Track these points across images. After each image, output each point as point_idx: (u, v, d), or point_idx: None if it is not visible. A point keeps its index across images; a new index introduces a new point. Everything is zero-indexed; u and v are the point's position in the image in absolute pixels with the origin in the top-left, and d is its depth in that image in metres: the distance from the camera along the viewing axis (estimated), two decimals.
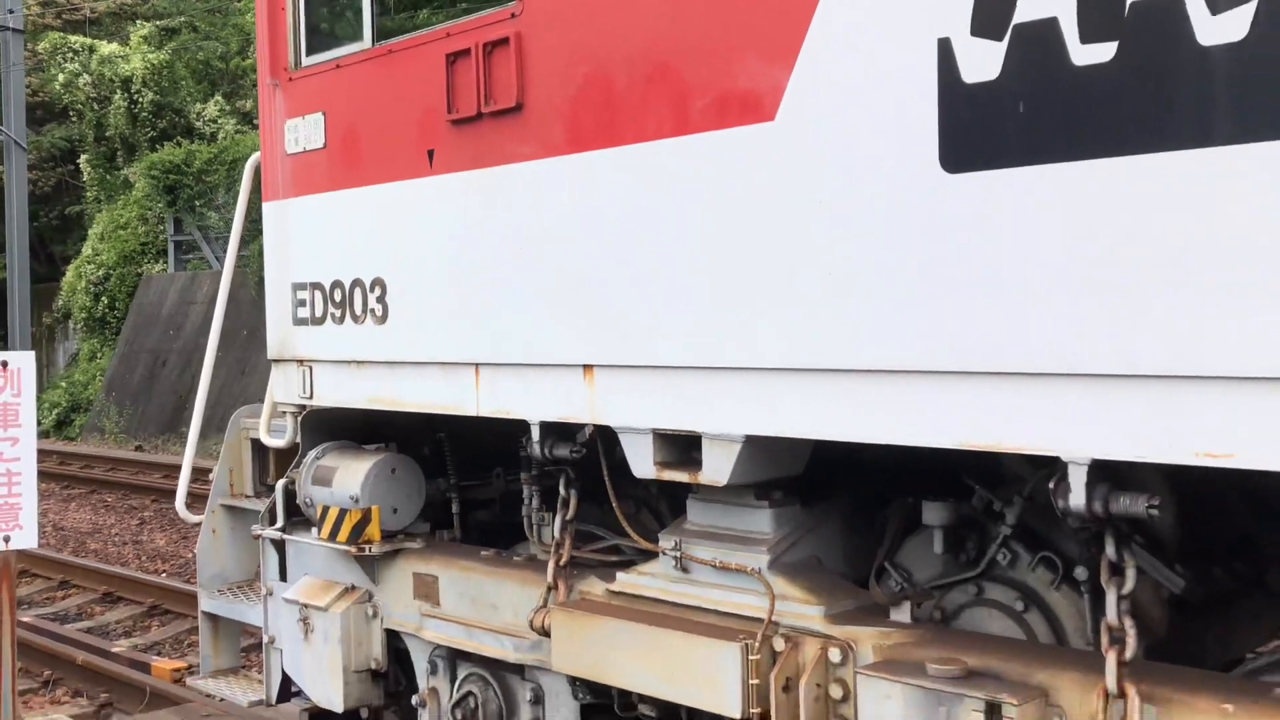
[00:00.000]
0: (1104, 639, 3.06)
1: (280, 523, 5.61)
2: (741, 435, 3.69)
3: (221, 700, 6.84)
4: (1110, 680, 3.02)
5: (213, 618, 6.33)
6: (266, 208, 5.52)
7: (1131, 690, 3.00)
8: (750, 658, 3.69)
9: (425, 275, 4.66)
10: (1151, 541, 3.44)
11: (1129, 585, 3.04)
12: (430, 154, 4.60)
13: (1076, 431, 2.97)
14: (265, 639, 5.78)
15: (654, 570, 4.22)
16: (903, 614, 3.71)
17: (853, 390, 3.39)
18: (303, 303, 5.24)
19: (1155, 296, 2.79)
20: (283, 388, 5.47)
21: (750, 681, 3.68)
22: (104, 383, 25.88)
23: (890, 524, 4.02)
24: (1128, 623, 3.04)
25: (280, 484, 5.62)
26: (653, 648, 3.95)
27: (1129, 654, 3.03)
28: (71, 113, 32.52)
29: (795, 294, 3.46)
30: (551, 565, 4.47)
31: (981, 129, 3.09)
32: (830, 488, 4.05)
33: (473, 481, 5.67)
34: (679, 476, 3.92)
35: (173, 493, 6.20)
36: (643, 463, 4.00)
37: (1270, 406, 2.64)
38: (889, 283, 3.27)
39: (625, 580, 4.29)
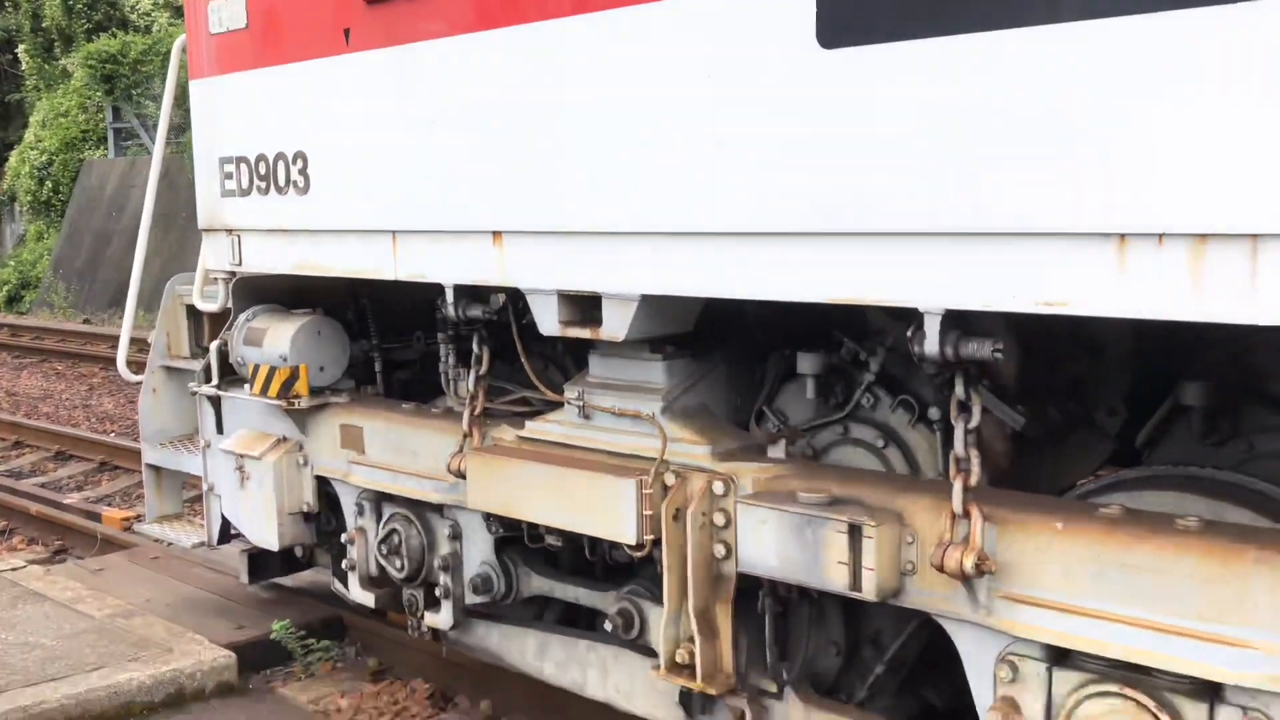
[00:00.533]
0: (952, 468, 3.13)
1: (215, 381, 5.52)
2: (638, 295, 3.67)
3: (168, 544, 6.78)
4: (956, 503, 3.11)
5: (156, 469, 6.25)
6: (193, 86, 5.29)
7: (975, 511, 3.09)
8: (644, 491, 3.73)
9: (344, 148, 4.52)
10: (996, 384, 3.51)
11: (975, 421, 3.11)
12: (346, 32, 4.42)
13: (932, 285, 3.00)
14: (205, 487, 5.73)
15: (559, 418, 4.23)
16: (778, 451, 3.77)
17: (737, 252, 3.38)
18: (229, 175, 5.06)
19: (1003, 161, 2.79)
20: (213, 256, 5.33)
21: (644, 512, 3.73)
22: (51, 261, 24.98)
23: (769, 373, 4.07)
24: (973, 454, 3.11)
25: (214, 345, 5.51)
26: (558, 485, 3.98)
27: (973, 481, 3.10)
28: (8, 3, 30.72)
29: (687, 163, 3.42)
30: (467, 415, 4.46)
31: (854, 9, 3.04)
32: (717, 342, 4.07)
33: (395, 344, 5.62)
34: (581, 333, 3.90)
35: None
36: (549, 321, 3.97)
37: (1097, 259, 2.68)
38: (771, 152, 3.23)
39: (533, 427, 4.30)
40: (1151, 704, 2.88)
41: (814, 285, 3.24)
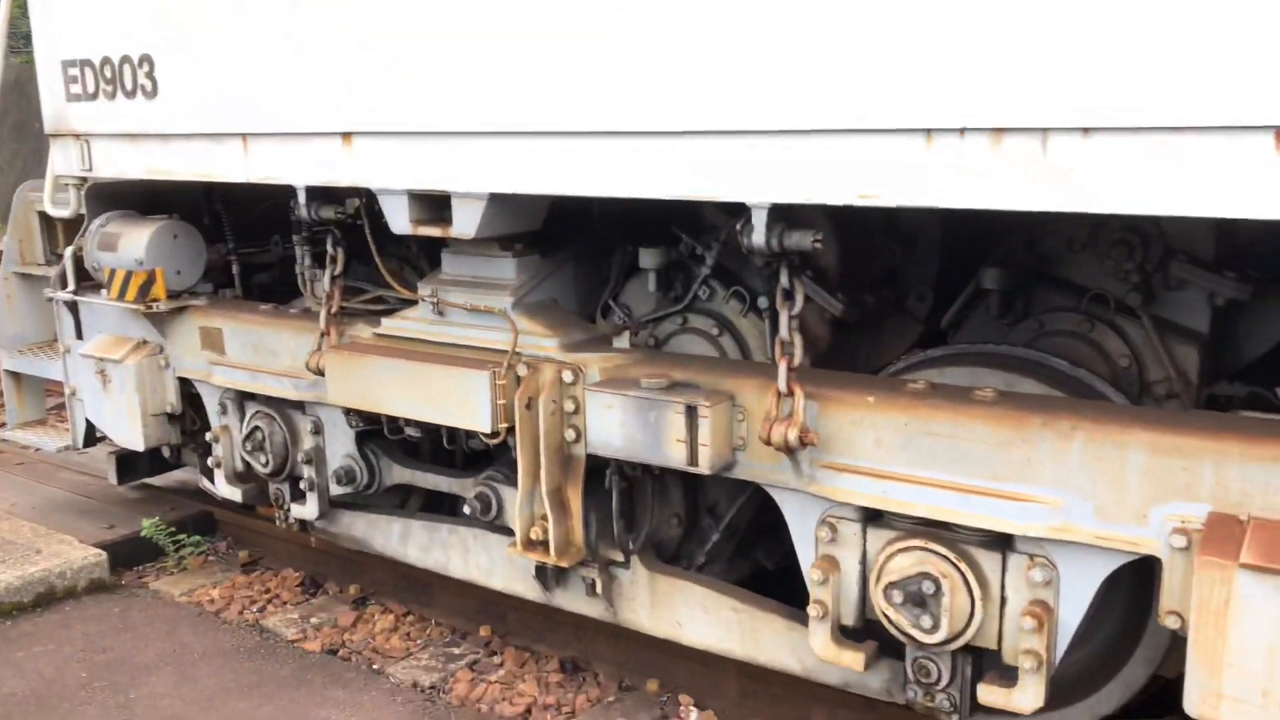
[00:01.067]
0: (777, 351, 3.18)
1: (72, 286, 5.20)
2: (486, 193, 3.58)
3: (36, 450, 6.47)
4: (781, 383, 3.16)
5: (16, 376, 5.91)
6: None
7: (798, 390, 3.16)
8: (498, 382, 3.69)
9: (191, 51, 4.24)
10: (818, 273, 3.58)
11: (798, 308, 3.15)
12: None
13: (760, 181, 3.00)
14: (67, 392, 5.44)
15: (414, 315, 4.13)
16: (623, 342, 3.78)
17: (581, 151, 3.31)
18: (74, 80, 4.71)
19: (821, 63, 2.79)
20: (62, 161, 4.97)
21: (498, 402, 3.70)
22: None
23: (614, 269, 4.05)
24: (796, 338, 3.16)
25: (69, 251, 5.18)
26: (415, 379, 3.90)
27: (797, 362, 3.16)
28: None
29: (532, 63, 3.31)
30: (323, 314, 4.32)
31: None
32: (565, 239, 4.02)
33: (252, 248, 5.38)
34: (432, 232, 3.80)
35: None
36: (400, 220, 3.85)
37: (906, 153, 2.71)
38: (615, 54, 3.15)
39: (389, 324, 4.20)
40: (952, 555, 3.03)
41: (653, 183, 3.21)
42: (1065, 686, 3.43)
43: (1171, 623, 2.73)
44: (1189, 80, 2.30)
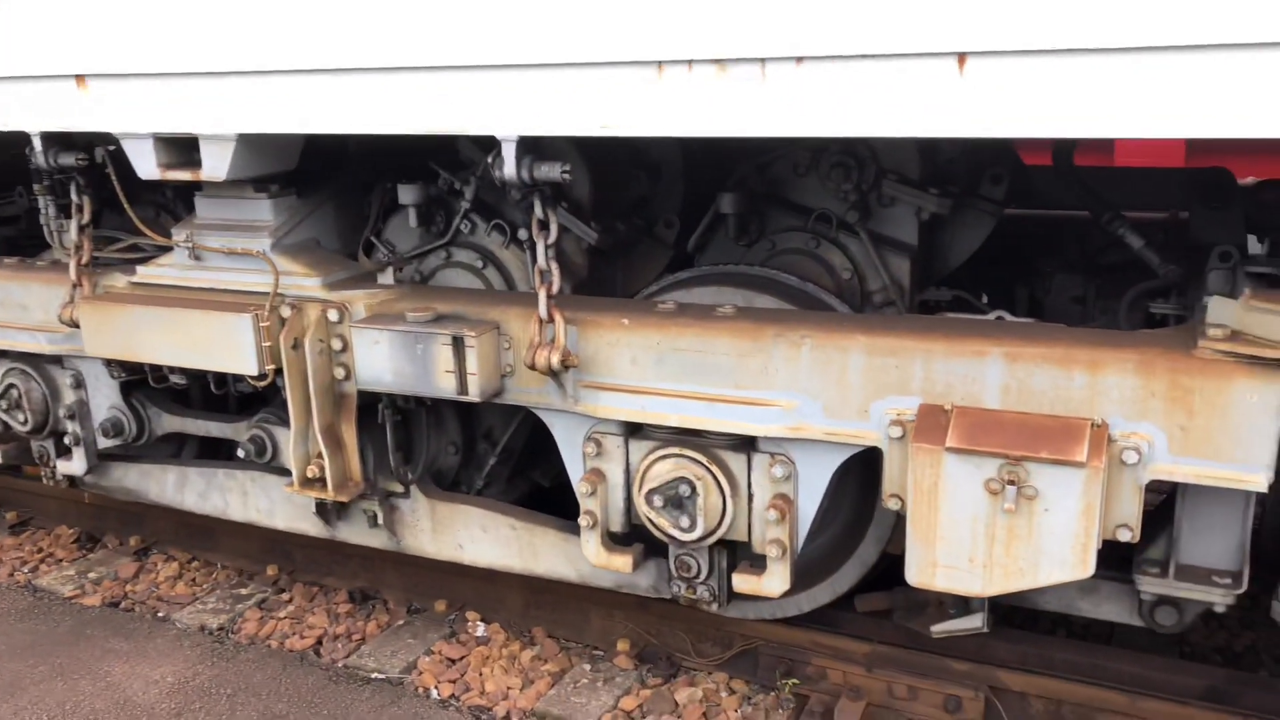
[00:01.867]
0: (537, 280, 3.15)
1: None
2: (234, 134, 3.34)
3: None
4: (542, 310, 3.13)
5: None
6: None
7: (558, 316, 3.13)
8: (261, 324, 3.49)
9: None
10: (573, 205, 3.55)
11: (553, 237, 3.11)
12: None
13: (508, 114, 2.92)
14: None
15: (170, 261, 3.84)
16: (387, 278, 3.64)
17: (330, 88, 3.13)
18: None
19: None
20: None
21: (263, 344, 3.50)
22: None
23: (374, 206, 3.88)
24: (553, 266, 3.12)
25: None
26: (175, 326, 3.64)
27: (555, 289, 3.13)
28: None
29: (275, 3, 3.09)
30: (73, 265, 3.94)
31: None
32: (324, 178, 3.82)
33: None
34: (181, 176, 3.51)
35: None
36: (146, 165, 3.54)
37: (641, 84, 2.71)
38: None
39: (145, 272, 3.88)
40: (704, 459, 3.11)
41: (403, 119, 3.08)
42: (811, 569, 3.62)
43: (893, 504, 2.90)
44: (883, 10, 2.38)
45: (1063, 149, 3.53)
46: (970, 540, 2.75)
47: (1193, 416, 2.53)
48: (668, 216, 3.77)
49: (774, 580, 3.14)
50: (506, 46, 2.83)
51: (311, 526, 3.96)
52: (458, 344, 3.20)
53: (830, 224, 3.49)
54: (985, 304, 3.52)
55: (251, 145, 3.38)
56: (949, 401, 2.78)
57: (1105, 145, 5.28)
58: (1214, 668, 3.39)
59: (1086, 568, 2.65)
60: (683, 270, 3.58)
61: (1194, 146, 5.15)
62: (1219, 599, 2.86)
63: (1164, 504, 2.98)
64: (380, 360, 3.34)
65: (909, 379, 2.82)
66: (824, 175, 3.44)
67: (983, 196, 3.57)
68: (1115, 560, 3.03)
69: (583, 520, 3.33)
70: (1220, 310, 2.56)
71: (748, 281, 3.36)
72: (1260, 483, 2.50)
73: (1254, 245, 3.62)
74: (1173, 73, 2.18)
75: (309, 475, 3.66)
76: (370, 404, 3.64)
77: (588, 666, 3.85)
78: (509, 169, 2.96)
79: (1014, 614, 3.88)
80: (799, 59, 2.53)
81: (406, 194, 3.70)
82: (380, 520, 3.79)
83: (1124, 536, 2.67)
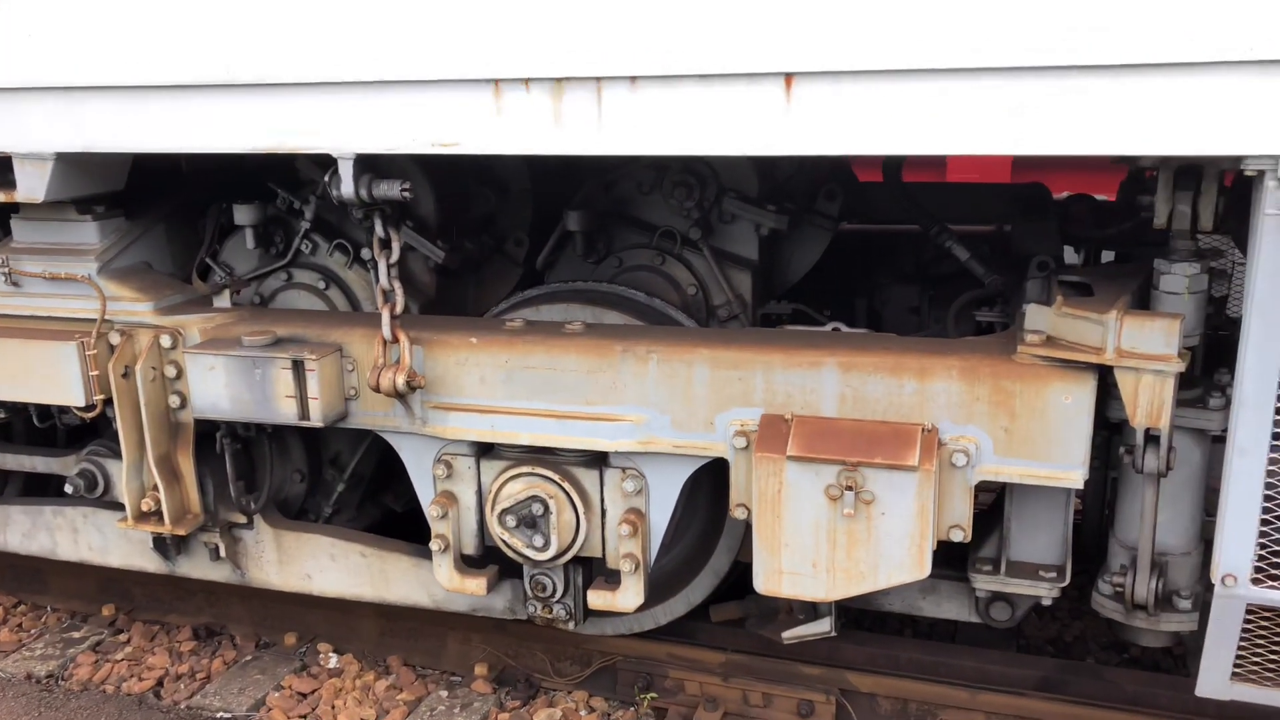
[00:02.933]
0: (380, 300, 3.08)
1: None
2: (52, 153, 3.17)
3: None
4: (385, 330, 3.07)
5: None
6: None
7: (402, 336, 3.07)
8: (88, 353, 3.32)
9: None
10: (419, 223, 3.50)
11: (395, 256, 3.05)
12: None
13: (343, 132, 2.86)
14: None
15: None
16: (224, 301, 3.50)
17: (156, 106, 3.00)
18: None
19: (386, 16, 2.68)
20: None
21: (91, 373, 3.33)
22: None
23: (209, 227, 3.74)
24: (396, 285, 3.06)
25: None
26: None
27: (399, 309, 3.07)
28: None
29: (99, 12, 2.93)
30: None
31: None
32: (154, 199, 3.66)
33: None
34: None
35: None
36: None
37: (478, 103, 2.69)
38: (188, 3, 2.87)
39: None
40: (556, 476, 3.10)
41: (235, 137, 2.98)
42: (667, 581, 3.65)
43: (740, 514, 2.95)
44: (712, 32, 2.43)
45: (892, 166, 3.67)
46: (813, 546, 2.82)
47: (1015, 419, 2.66)
48: (517, 234, 3.76)
49: (629, 595, 3.15)
50: (341, 64, 2.77)
51: (149, 562, 3.77)
52: (298, 367, 3.11)
53: (675, 240, 3.53)
54: (827, 315, 3.62)
55: (72, 165, 3.22)
56: (789, 411, 2.84)
57: (938, 162, 5.53)
58: (1046, 659, 3.55)
59: (923, 568, 2.74)
60: (532, 288, 3.57)
61: (1019, 163, 5.44)
62: (1046, 592, 3.00)
63: (995, 504, 3.12)
64: (217, 387, 3.21)
65: (751, 391, 2.87)
66: (667, 193, 3.49)
67: (819, 212, 3.68)
68: (954, 561, 3.15)
69: (434, 544, 3.27)
70: (1036, 317, 2.70)
71: (596, 298, 3.37)
72: (1076, 480, 2.64)
73: (1072, 256, 3.85)
74: (996, 94, 2.29)
75: (144, 509, 3.49)
76: (209, 432, 3.49)
77: (445, 693, 3.77)
78: (346, 188, 2.90)
79: (864, 617, 3.99)
80: (633, 79, 2.56)
81: (243, 214, 3.58)
82: (223, 553, 3.63)
83: (957, 537, 2.77)
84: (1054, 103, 2.25)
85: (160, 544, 3.71)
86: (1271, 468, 2.36)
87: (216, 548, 3.64)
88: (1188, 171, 2.49)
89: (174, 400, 3.40)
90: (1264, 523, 2.40)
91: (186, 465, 3.47)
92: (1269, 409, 2.31)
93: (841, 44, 2.36)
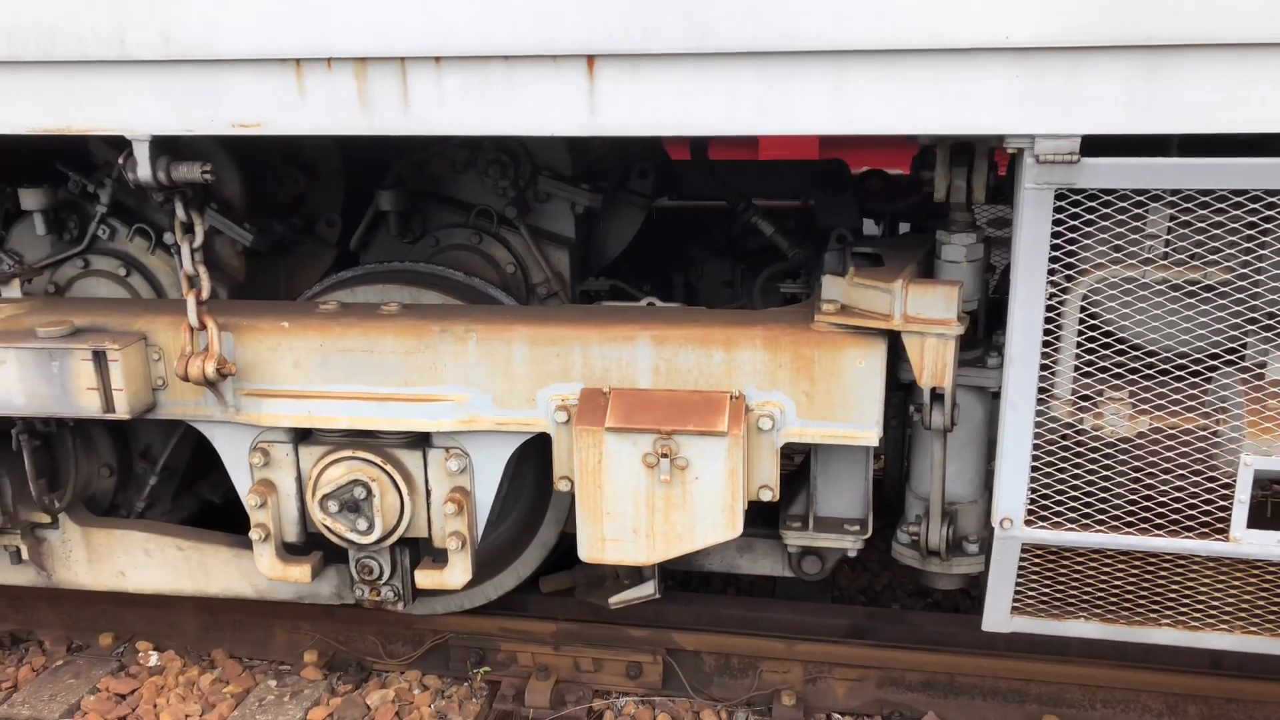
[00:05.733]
0: (185, 286, 2.96)
1: None
2: None
3: None
4: (192, 317, 2.96)
5: None
6: None
7: (210, 322, 2.97)
8: None
9: None
10: (224, 205, 3.38)
11: (198, 240, 2.93)
12: None
13: (137, 112, 2.73)
14: None
15: None
16: (14, 291, 3.31)
17: None
18: None
19: None
20: None
21: None
22: None
23: None
24: (201, 270, 2.95)
25: None
26: None
27: (205, 295, 2.96)
28: None
29: None
30: None
31: None
32: None
33: None
34: None
35: None
36: None
37: (280, 83, 2.62)
38: None
39: None
40: (378, 459, 3.07)
41: (17, 117, 2.79)
42: (496, 557, 3.67)
43: (564, 486, 3.00)
44: (513, 13, 2.44)
45: (698, 146, 3.77)
46: (633, 513, 2.90)
47: (814, 384, 2.81)
48: (329, 216, 3.67)
49: (455, 573, 3.16)
50: (130, 40, 2.64)
51: None
52: (99, 358, 2.96)
53: (491, 220, 3.53)
54: (646, 290, 3.70)
55: None
56: (607, 385, 2.91)
57: (750, 141, 5.70)
58: (857, 608, 3.77)
59: (735, 528, 2.87)
60: (346, 270, 3.50)
61: (825, 142, 5.67)
62: (850, 544, 3.18)
63: (803, 464, 3.28)
64: (9, 381, 3.02)
65: (570, 366, 2.92)
66: (482, 172, 3.48)
67: (632, 190, 3.75)
68: (769, 520, 3.30)
69: (254, 534, 3.19)
70: (832, 287, 2.85)
71: (413, 279, 3.34)
72: (872, 438, 2.81)
73: (873, 228, 4.06)
74: (798, 80, 2.38)
75: None
76: (4, 429, 3.28)
77: (274, 683, 3.69)
78: (143, 171, 2.78)
79: (689, 579, 4.13)
80: (438, 59, 2.55)
81: (30, 199, 3.37)
82: (25, 555, 3.44)
83: (766, 496, 2.91)
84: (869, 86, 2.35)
85: None
86: (1038, 419, 2.58)
87: (18, 550, 3.44)
88: (962, 149, 2.68)
89: None
90: (1034, 469, 2.62)
91: None
92: (1034, 365, 2.52)
93: (644, 27, 2.41)
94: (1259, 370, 2.47)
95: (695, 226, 4.17)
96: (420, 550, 3.29)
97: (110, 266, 3.49)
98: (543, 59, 2.49)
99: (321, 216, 3.67)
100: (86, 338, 3.02)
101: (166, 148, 2.79)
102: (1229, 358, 2.51)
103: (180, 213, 2.92)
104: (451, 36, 2.50)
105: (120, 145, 2.83)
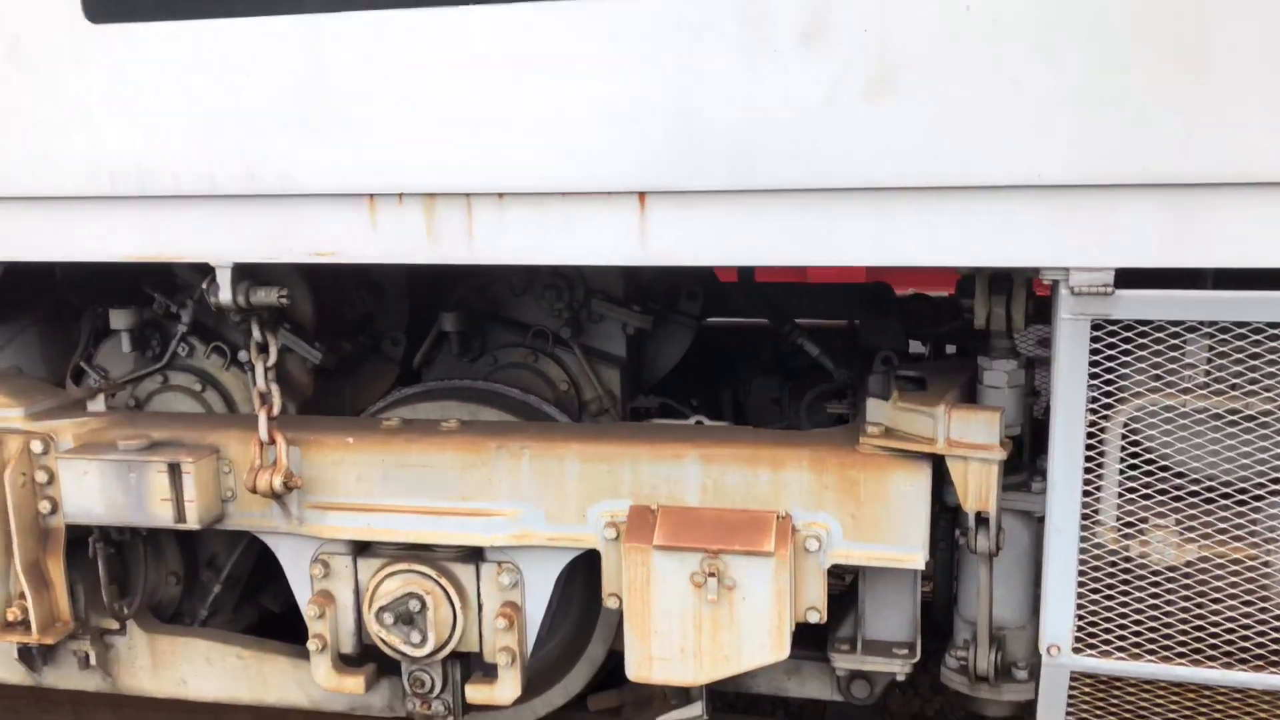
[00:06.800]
0: (257, 402, 3.13)
1: None
2: None
3: None
4: (262, 432, 3.11)
5: None
6: None
7: (279, 436, 3.12)
8: None
9: None
10: (296, 325, 3.57)
11: (272, 360, 3.11)
12: None
13: (221, 241, 2.94)
14: None
15: None
16: (98, 405, 3.50)
17: (37, 217, 3.03)
18: None
19: (271, 133, 2.80)
20: None
21: None
22: None
23: (84, 331, 3.74)
24: (273, 388, 3.12)
25: None
26: None
27: (275, 411, 3.12)
28: None
29: None
30: None
31: None
32: (26, 304, 3.65)
33: None
34: None
35: None
36: None
37: (354, 215, 2.81)
38: (64, 114, 2.92)
39: None
40: (434, 572, 3.15)
41: (111, 246, 3.03)
42: (545, 673, 3.70)
43: (613, 603, 3.05)
44: (573, 154, 2.62)
45: (745, 270, 3.92)
46: (681, 632, 2.93)
47: (860, 505, 2.86)
48: (393, 334, 3.86)
49: (506, 688, 3.20)
50: (219, 178, 2.87)
51: (13, 674, 3.65)
52: (174, 470, 3.12)
53: (547, 339, 3.68)
54: (694, 406, 3.80)
55: None
56: (655, 502, 2.98)
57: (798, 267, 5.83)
58: None
59: (783, 649, 2.88)
60: (409, 386, 3.66)
61: (871, 268, 5.79)
62: (899, 668, 3.17)
63: (851, 585, 3.29)
64: (90, 491, 3.19)
65: (620, 483, 3.00)
66: (538, 295, 3.65)
67: (681, 311, 3.89)
68: (818, 642, 3.30)
69: (312, 644, 3.27)
70: (877, 411, 2.92)
71: (472, 395, 3.48)
72: (918, 561, 2.84)
73: (919, 346, 4.13)
74: (840, 216, 2.52)
75: (10, 619, 3.39)
76: (81, 537, 3.44)
77: None
78: (224, 295, 2.97)
79: (738, 701, 4.11)
80: (500, 195, 2.73)
81: (119, 319, 3.60)
82: (93, 660, 3.55)
83: (813, 618, 2.93)
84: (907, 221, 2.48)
85: (25, 654, 3.60)
86: (1083, 545, 2.59)
87: (86, 655, 3.55)
88: (1001, 278, 2.77)
89: (45, 506, 3.35)
90: (1080, 596, 2.62)
91: (57, 571, 3.40)
92: (1077, 490, 2.56)
93: (692, 165, 2.57)
94: None
95: (743, 344, 4.28)
96: (471, 665, 3.34)
97: (187, 382, 3.69)
98: (597, 195, 2.65)
99: (387, 335, 3.85)
100: (163, 451, 3.19)
101: (246, 274, 2.99)
102: (1276, 487, 2.52)
103: (256, 333, 3.11)
104: (513, 175, 2.68)
105: (204, 270, 3.04)
